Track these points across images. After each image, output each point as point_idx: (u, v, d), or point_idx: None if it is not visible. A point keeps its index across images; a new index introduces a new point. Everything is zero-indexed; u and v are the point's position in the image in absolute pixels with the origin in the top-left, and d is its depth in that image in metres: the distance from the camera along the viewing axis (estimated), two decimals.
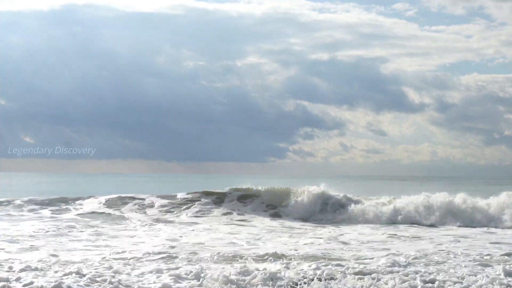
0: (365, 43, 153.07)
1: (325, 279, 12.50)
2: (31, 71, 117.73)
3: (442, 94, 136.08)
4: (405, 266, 14.20)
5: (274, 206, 30.98)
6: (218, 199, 32.35)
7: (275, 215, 29.70)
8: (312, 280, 12.45)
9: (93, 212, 29.75)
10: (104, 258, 15.46)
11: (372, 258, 15.64)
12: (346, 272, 13.32)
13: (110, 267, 13.73)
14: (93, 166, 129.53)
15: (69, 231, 21.69)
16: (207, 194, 32.94)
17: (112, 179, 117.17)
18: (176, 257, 15.78)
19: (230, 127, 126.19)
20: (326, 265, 14.25)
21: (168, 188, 72.45)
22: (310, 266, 14.06)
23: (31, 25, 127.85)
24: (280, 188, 33.31)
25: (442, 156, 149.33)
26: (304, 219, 28.95)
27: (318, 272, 13.15)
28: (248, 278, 12.48)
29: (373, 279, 12.52)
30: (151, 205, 31.39)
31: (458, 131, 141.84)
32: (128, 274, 13.16)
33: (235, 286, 12.09)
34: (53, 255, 15.64)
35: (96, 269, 13.51)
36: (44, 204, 31.59)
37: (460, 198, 28.61)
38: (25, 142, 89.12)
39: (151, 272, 13.28)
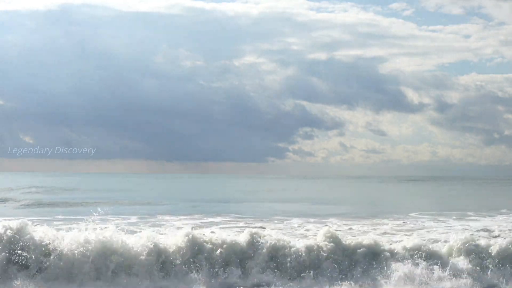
0: (363, 42, 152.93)
1: None
2: (29, 71, 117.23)
3: (441, 94, 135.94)
4: None
5: None
6: None
7: None
8: None
9: None
10: None
11: None
12: None
13: None
14: (93, 166, 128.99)
15: None
16: None
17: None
18: None
19: (229, 127, 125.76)
20: None
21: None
22: None
23: (28, 25, 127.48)
24: None
25: (442, 156, 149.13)
26: None
27: None
28: None
29: None
30: None
31: (457, 131, 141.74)
32: None
33: None
34: None
35: None
36: None
37: None
38: (25, 142, 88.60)
39: None
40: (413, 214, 31.52)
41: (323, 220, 27.60)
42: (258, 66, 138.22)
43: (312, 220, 28.00)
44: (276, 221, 27.32)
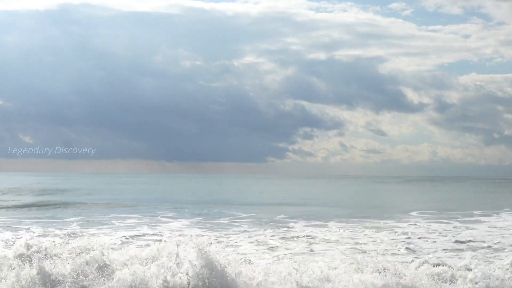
0: (362, 42, 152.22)
1: None
2: (28, 71, 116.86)
3: (441, 94, 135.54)
4: None
5: None
6: None
7: None
8: None
9: None
10: None
11: None
12: None
13: None
14: (93, 166, 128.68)
15: None
16: None
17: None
18: None
19: (229, 127, 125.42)
20: None
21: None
22: None
23: (27, 25, 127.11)
24: None
25: (442, 156, 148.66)
26: None
27: None
28: None
29: None
30: None
31: (457, 131, 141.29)
32: None
33: None
34: None
35: None
36: None
37: None
38: (25, 142, 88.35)
39: None
40: (414, 213, 31.36)
41: (324, 223, 27.37)
42: (257, 66, 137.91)
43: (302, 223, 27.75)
44: (273, 225, 27.13)
